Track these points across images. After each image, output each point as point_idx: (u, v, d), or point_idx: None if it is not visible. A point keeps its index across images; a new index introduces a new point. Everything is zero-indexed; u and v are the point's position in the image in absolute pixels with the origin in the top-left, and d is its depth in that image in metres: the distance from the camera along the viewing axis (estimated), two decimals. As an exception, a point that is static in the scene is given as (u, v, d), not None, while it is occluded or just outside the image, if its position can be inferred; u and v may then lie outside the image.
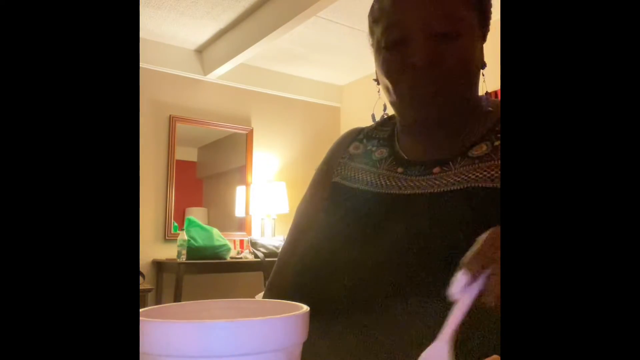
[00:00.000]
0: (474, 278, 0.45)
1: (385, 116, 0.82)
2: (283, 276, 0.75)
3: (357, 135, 0.82)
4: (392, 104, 0.72)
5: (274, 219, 3.82)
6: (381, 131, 0.80)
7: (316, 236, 0.72)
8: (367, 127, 0.83)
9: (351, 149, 0.80)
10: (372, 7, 0.73)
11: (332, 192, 0.76)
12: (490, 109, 0.71)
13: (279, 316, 0.36)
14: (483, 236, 0.47)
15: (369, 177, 0.74)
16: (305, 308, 0.40)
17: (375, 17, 0.71)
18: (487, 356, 0.54)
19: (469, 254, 0.47)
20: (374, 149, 0.78)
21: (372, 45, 0.73)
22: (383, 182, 0.71)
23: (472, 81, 0.69)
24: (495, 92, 2.94)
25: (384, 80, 0.70)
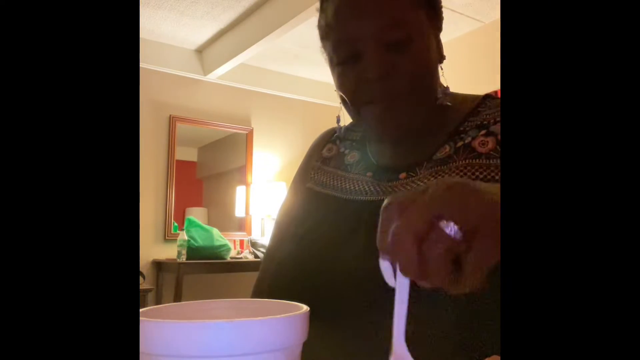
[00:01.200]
0: (392, 260, 0.38)
1: (341, 127, 0.79)
2: (264, 282, 0.75)
3: (331, 137, 0.81)
4: (352, 117, 0.70)
5: (274, 219, 3.82)
6: (354, 132, 0.79)
7: (291, 243, 0.71)
8: (342, 128, 0.80)
9: (324, 152, 0.80)
10: (319, 22, 0.69)
11: (306, 197, 0.76)
12: (448, 103, 0.68)
13: (279, 316, 0.36)
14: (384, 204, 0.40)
15: (339, 182, 0.73)
16: (305, 308, 0.40)
17: (323, 34, 0.68)
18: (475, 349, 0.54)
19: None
20: (346, 151, 0.77)
21: (326, 60, 0.70)
22: (353, 187, 0.71)
23: (432, 82, 0.66)
24: (495, 92, 2.94)
25: (341, 94, 0.68)
